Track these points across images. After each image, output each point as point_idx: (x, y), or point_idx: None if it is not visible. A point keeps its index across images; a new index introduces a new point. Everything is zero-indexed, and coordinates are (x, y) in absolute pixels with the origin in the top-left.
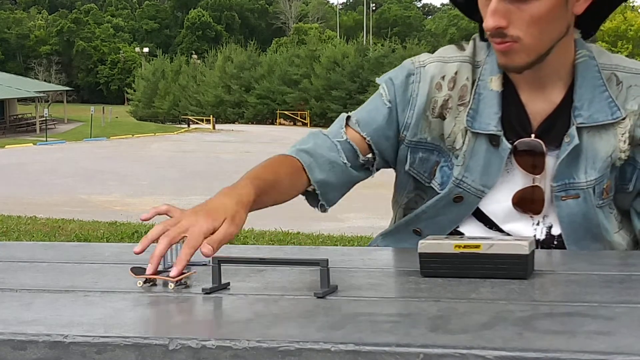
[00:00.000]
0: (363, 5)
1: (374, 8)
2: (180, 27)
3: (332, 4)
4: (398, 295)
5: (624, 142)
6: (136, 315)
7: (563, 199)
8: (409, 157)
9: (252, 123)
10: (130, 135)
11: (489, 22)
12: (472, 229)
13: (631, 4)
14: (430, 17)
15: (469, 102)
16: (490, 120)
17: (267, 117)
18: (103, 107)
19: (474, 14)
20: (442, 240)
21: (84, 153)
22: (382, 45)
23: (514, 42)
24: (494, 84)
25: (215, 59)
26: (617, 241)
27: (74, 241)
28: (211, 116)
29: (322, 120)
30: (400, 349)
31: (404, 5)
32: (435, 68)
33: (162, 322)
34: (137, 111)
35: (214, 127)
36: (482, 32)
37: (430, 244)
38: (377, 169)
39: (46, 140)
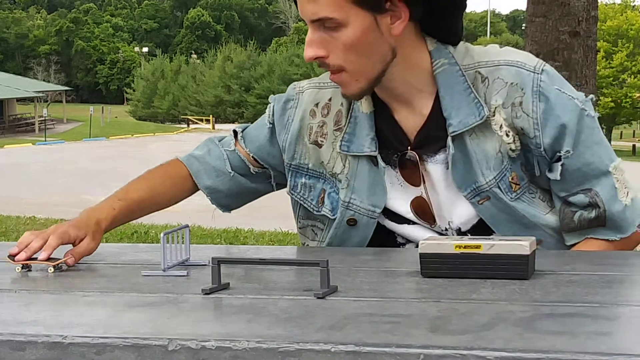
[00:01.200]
0: None
1: None
2: (179, 27)
3: None
4: (398, 296)
5: (506, 134)
6: (135, 315)
7: (480, 202)
8: (290, 180)
9: (252, 123)
10: (130, 135)
11: (307, 53)
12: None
13: (632, 4)
14: None
15: (344, 126)
16: (365, 142)
17: None
18: (102, 107)
19: None
20: (442, 241)
21: (83, 153)
22: None
23: (340, 71)
24: (364, 106)
25: (215, 59)
26: (552, 221)
27: None
28: (211, 116)
29: None
30: (401, 350)
31: None
32: (310, 95)
33: (161, 323)
34: (136, 111)
35: (213, 127)
36: None
37: (430, 245)
38: (279, 184)
39: (45, 140)
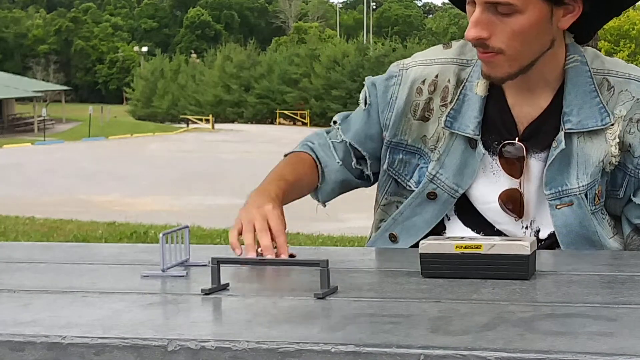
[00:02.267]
0: (363, 4)
1: (374, 7)
2: (179, 26)
3: (332, 2)
4: (398, 296)
5: (615, 147)
6: (135, 316)
7: (558, 207)
8: (387, 157)
9: (252, 123)
10: (129, 135)
11: (470, 33)
12: (456, 232)
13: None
14: (431, 16)
15: (451, 101)
16: (470, 124)
17: (266, 117)
18: (102, 107)
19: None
20: (443, 241)
21: (82, 153)
22: (382, 44)
23: (496, 53)
24: (479, 88)
25: (215, 58)
26: (614, 246)
27: (72, 241)
28: (210, 116)
29: (322, 119)
30: (401, 350)
31: (405, 4)
32: (417, 72)
33: (161, 323)
34: (135, 111)
35: (213, 127)
36: None
37: (431, 245)
38: (375, 173)
39: (44, 140)
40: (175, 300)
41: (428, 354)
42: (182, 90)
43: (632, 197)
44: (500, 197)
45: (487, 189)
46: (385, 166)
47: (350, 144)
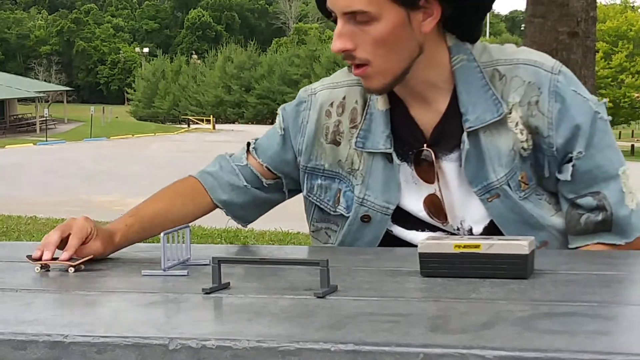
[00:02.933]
0: None
1: None
2: (180, 27)
3: None
4: (398, 295)
5: (521, 133)
6: (136, 315)
7: (489, 200)
8: (306, 182)
9: (252, 123)
10: (130, 135)
11: (335, 45)
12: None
13: (631, 4)
14: None
15: (359, 123)
16: (380, 139)
17: (267, 117)
18: (103, 107)
19: None
20: (442, 240)
21: (84, 153)
22: None
23: (365, 65)
24: (379, 103)
25: (216, 59)
26: (558, 223)
27: None
28: (211, 116)
29: None
30: (400, 349)
31: None
32: (324, 95)
33: (162, 322)
34: (137, 111)
35: (214, 127)
36: None
37: (430, 244)
38: (291, 190)
39: (46, 140)
40: (177, 299)
41: (427, 352)
42: (183, 91)
43: (557, 174)
44: (424, 204)
45: (413, 198)
46: (304, 192)
47: (267, 167)
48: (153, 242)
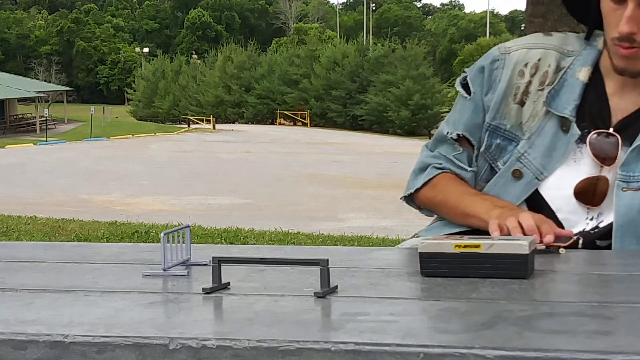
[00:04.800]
0: (363, 5)
1: (374, 8)
2: (180, 27)
3: (332, 4)
4: (398, 295)
5: None
6: (136, 315)
7: (624, 189)
8: (485, 140)
9: (252, 123)
10: (131, 135)
11: (624, 28)
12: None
13: None
14: (430, 17)
15: (549, 84)
16: (568, 105)
17: (267, 117)
18: (103, 107)
19: (584, 16)
20: (442, 240)
21: (84, 153)
22: (382, 45)
23: (639, 48)
24: (582, 74)
25: (216, 59)
26: None
27: (74, 241)
28: (211, 116)
29: (322, 120)
30: (401, 349)
31: (404, 5)
32: (519, 55)
33: (162, 322)
34: (137, 111)
35: (214, 127)
36: (589, 33)
37: (430, 244)
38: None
39: (46, 140)
40: (177, 299)
41: (427, 352)
42: (183, 91)
43: None
44: (576, 186)
45: (565, 174)
46: (482, 148)
47: (463, 136)
48: (153, 242)
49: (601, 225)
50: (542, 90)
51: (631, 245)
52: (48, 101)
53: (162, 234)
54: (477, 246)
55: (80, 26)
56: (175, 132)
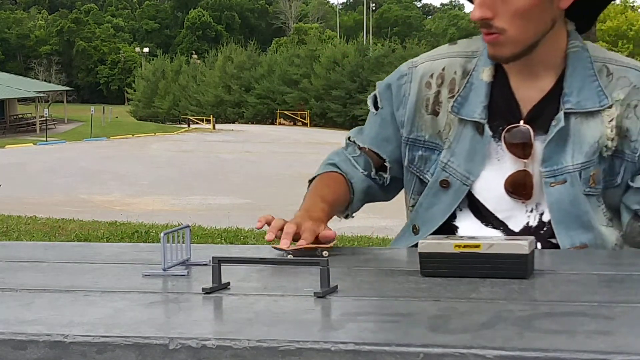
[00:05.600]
0: (363, 5)
1: (374, 8)
2: (180, 27)
3: (332, 4)
4: (398, 295)
5: (611, 130)
6: (136, 315)
7: (552, 185)
8: (407, 154)
9: (252, 123)
10: (131, 135)
11: (475, 13)
12: (467, 223)
13: (631, 4)
14: (430, 17)
15: (457, 91)
16: (476, 109)
17: (267, 117)
18: (103, 107)
19: None
20: (442, 240)
21: (84, 153)
22: (382, 45)
23: (499, 34)
24: (485, 74)
25: (216, 59)
26: (607, 234)
27: (74, 241)
28: (211, 116)
29: (322, 120)
30: (400, 349)
31: (404, 5)
32: (425, 67)
33: (162, 322)
34: (137, 111)
35: (214, 127)
36: None
37: (430, 244)
38: (392, 177)
39: (46, 140)
40: (177, 299)
41: (427, 352)
42: (183, 91)
43: (629, 182)
44: (505, 182)
45: (492, 174)
46: (406, 163)
47: (369, 149)
48: (153, 242)
49: (544, 218)
50: (452, 98)
51: (580, 237)
52: (48, 101)
53: (162, 234)
54: (477, 246)
55: (80, 26)
56: (175, 132)
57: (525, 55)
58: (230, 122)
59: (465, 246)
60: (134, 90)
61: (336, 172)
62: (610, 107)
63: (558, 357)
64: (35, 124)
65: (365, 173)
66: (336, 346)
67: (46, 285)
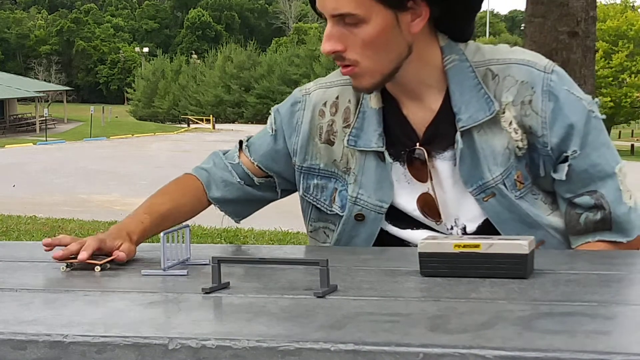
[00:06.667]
0: None
1: None
2: (180, 27)
3: None
4: (397, 295)
5: (515, 132)
6: (136, 314)
7: (485, 200)
8: (302, 182)
9: (252, 123)
10: (130, 135)
11: (325, 47)
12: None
13: (631, 4)
14: None
15: (352, 122)
16: (372, 138)
17: (266, 117)
18: (103, 107)
19: None
20: (441, 240)
21: (83, 153)
22: None
23: (354, 65)
24: (373, 102)
25: (215, 59)
26: (554, 222)
27: None
28: (211, 116)
29: None
30: (400, 349)
31: None
32: (318, 95)
33: (161, 322)
34: (137, 111)
35: (213, 127)
36: None
37: (430, 244)
38: (284, 190)
39: (46, 140)
40: (176, 299)
41: (427, 352)
42: (183, 91)
43: (552, 174)
44: (417, 203)
45: (407, 197)
46: (300, 192)
47: (258, 165)
48: (153, 242)
49: (469, 230)
50: (347, 127)
51: (522, 232)
52: (48, 101)
53: (161, 234)
54: (477, 246)
55: (80, 26)
56: (175, 132)
57: (387, 82)
58: (230, 122)
59: (465, 246)
60: (134, 90)
61: (197, 178)
62: (503, 112)
63: (558, 357)
64: (35, 124)
65: (241, 182)
66: (336, 346)
67: (46, 285)
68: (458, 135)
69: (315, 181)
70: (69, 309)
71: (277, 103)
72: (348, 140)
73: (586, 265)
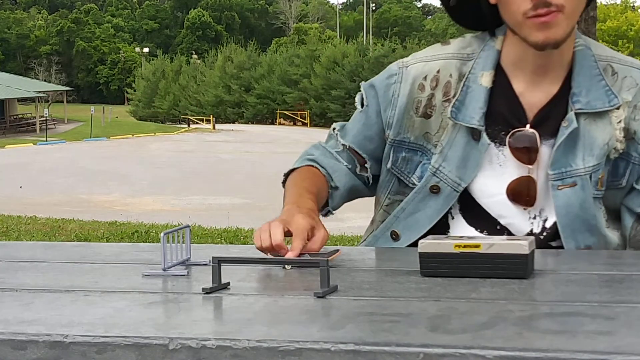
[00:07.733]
0: (363, 5)
1: (374, 8)
2: (180, 27)
3: (332, 4)
4: (398, 295)
5: (620, 131)
6: (136, 315)
7: (560, 188)
8: (391, 155)
9: (252, 123)
10: (130, 135)
11: None
12: (460, 231)
13: (631, 4)
14: (430, 17)
15: (454, 95)
16: (475, 115)
17: (267, 117)
18: (103, 107)
19: (463, 19)
20: (442, 240)
21: (84, 153)
22: (382, 45)
23: (559, 11)
24: (484, 79)
25: (216, 59)
26: (610, 236)
27: (74, 241)
28: (211, 116)
29: (322, 120)
30: (400, 349)
31: (404, 5)
32: (417, 69)
33: (162, 322)
34: (137, 111)
35: (214, 127)
36: (492, 27)
37: (430, 244)
38: (374, 175)
39: (46, 140)
40: (177, 299)
41: (427, 352)
42: (183, 91)
43: (634, 184)
44: (507, 188)
45: (493, 181)
46: (389, 165)
47: (350, 147)
48: (153, 242)
49: (547, 225)
50: (447, 101)
51: (586, 241)
52: (48, 101)
53: (162, 234)
54: (477, 246)
55: (80, 26)
56: (175, 132)
57: (566, 40)
58: (230, 122)
59: (465, 246)
60: (134, 90)
61: (314, 166)
62: (618, 108)
63: (558, 357)
64: (35, 124)
65: (349, 167)
66: (336, 346)
67: (46, 285)
68: (572, 114)
69: (404, 154)
70: (69, 309)
71: (278, 103)
72: (451, 111)
73: (586, 265)
